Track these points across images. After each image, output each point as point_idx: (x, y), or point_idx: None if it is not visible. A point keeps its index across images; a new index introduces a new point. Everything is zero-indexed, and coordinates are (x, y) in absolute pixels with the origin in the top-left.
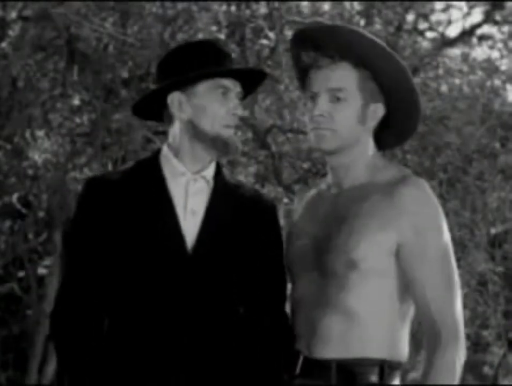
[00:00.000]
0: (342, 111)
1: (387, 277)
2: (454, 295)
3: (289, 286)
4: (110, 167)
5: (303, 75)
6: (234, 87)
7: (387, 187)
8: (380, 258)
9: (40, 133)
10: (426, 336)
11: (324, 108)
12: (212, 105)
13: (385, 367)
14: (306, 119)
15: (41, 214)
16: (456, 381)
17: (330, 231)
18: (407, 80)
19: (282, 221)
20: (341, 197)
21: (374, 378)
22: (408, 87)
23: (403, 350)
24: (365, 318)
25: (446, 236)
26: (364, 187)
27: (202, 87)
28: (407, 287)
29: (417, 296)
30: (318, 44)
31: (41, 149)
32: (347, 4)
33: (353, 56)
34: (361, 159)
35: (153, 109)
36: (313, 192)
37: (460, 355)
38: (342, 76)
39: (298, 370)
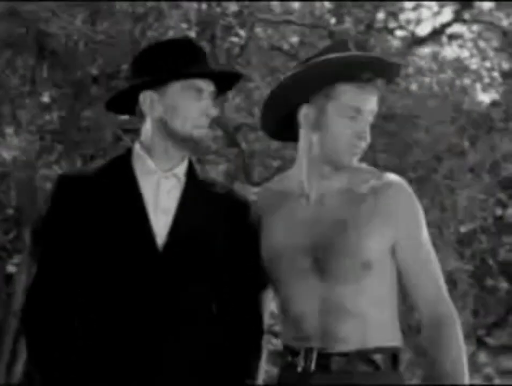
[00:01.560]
0: (369, 134)
1: (389, 274)
2: (442, 280)
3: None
4: (79, 164)
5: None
6: (207, 87)
7: (375, 189)
8: (385, 257)
9: (9, 130)
10: (428, 323)
11: (366, 128)
12: (184, 106)
13: (398, 353)
14: (343, 133)
15: (10, 211)
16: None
17: (331, 236)
18: None
19: None
20: (326, 202)
21: (389, 363)
22: None
23: (400, 335)
24: (377, 314)
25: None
26: (350, 191)
27: (175, 87)
28: (398, 279)
29: (419, 287)
30: (376, 72)
31: (10, 147)
32: (317, 3)
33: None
34: None
35: (126, 105)
36: (271, 193)
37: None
38: (376, 101)
39: (313, 366)
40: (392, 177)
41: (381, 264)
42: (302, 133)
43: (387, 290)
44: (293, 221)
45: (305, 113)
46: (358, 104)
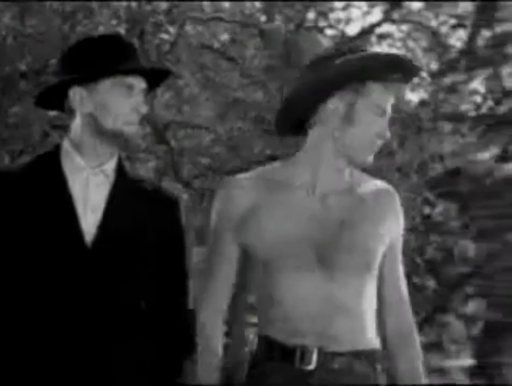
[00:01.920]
0: (389, 132)
1: (375, 276)
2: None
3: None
4: (7, 161)
5: (355, 80)
6: (138, 83)
7: (372, 194)
8: (379, 261)
9: None
10: (397, 330)
11: (387, 127)
12: (115, 103)
13: (379, 354)
14: (368, 131)
15: None
16: None
17: (335, 235)
18: None
19: (184, 218)
20: (331, 201)
21: (375, 364)
22: None
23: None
24: (370, 315)
25: None
26: (353, 192)
27: (105, 84)
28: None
29: (389, 297)
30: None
31: None
32: (248, 2)
33: None
34: None
35: (55, 100)
36: (259, 183)
37: None
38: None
39: (312, 365)
40: (384, 183)
41: (377, 266)
42: (320, 127)
43: (375, 292)
44: (295, 213)
45: (334, 107)
46: (384, 103)
